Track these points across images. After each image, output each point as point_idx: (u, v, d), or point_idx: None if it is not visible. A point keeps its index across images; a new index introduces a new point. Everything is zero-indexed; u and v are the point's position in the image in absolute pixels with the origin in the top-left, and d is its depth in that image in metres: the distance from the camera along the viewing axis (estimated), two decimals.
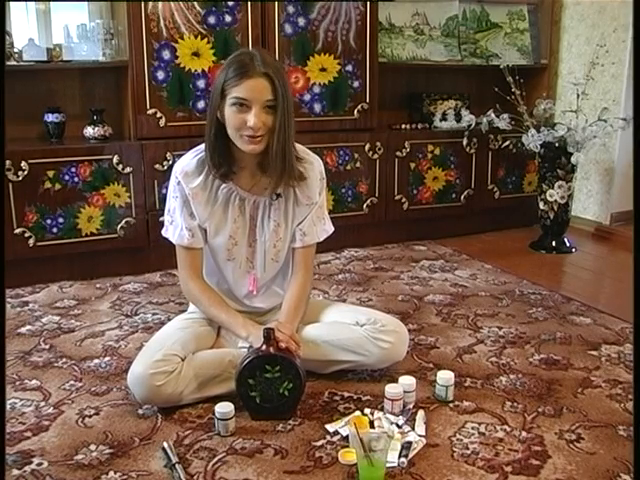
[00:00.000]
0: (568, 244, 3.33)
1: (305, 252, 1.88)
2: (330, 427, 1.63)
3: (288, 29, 2.96)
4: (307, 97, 3.06)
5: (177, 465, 1.46)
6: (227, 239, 1.81)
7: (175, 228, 1.81)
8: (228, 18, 2.84)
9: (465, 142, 3.40)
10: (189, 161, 1.77)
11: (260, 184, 1.80)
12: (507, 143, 3.48)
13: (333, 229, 1.94)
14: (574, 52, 3.67)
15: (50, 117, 2.79)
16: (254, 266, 1.86)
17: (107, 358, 2.05)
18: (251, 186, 1.79)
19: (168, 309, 2.46)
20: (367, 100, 3.19)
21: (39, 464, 1.50)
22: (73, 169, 2.67)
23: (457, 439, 1.59)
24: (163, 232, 1.86)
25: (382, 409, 1.71)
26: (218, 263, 1.87)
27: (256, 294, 1.90)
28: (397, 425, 1.63)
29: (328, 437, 1.59)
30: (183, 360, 1.69)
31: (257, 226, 1.82)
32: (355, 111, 3.18)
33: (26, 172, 2.59)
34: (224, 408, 1.60)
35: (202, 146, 1.79)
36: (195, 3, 2.78)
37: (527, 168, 3.64)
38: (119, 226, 2.80)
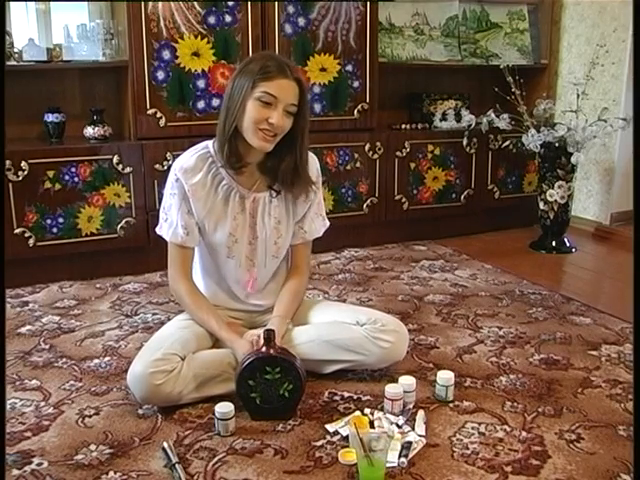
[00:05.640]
0: (568, 244, 3.33)
1: (305, 248, 1.95)
2: (330, 427, 1.63)
3: (288, 29, 2.96)
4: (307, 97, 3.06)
5: (177, 465, 1.46)
6: (227, 236, 1.82)
7: (170, 226, 1.81)
8: (228, 18, 2.84)
9: (465, 142, 3.40)
10: (188, 158, 1.79)
11: (260, 183, 1.82)
12: (507, 143, 3.48)
13: (329, 223, 1.99)
14: (574, 52, 3.66)
15: (50, 117, 2.79)
16: (254, 264, 1.87)
17: (107, 358, 2.05)
18: (251, 184, 1.81)
19: (168, 309, 2.46)
20: (367, 100, 3.19)
21: (39, 464, 1.50)
22: (73, 169, 2.67)
23: (457, 439, 1.59)
24: (157, 229, 1.86)
25: (382, 409, 1.71)
26: (218, 262, 1.87)
27: (253, 292, 1.90)
28: (397, 425, 1.63)
29: (328, 437, 1.59)
30: (183, 360, 1.69)
31: (257, 224, 1.83)
32: (355, 111, 3.18)
33: (26, 172, 2.59)
34: (224, 408, 1.60)
35: (202, 144, 1.81)
36: (195, 3, 2.78)
37: (527, 168, 3.64)
38: (119, 226, 2.80)
